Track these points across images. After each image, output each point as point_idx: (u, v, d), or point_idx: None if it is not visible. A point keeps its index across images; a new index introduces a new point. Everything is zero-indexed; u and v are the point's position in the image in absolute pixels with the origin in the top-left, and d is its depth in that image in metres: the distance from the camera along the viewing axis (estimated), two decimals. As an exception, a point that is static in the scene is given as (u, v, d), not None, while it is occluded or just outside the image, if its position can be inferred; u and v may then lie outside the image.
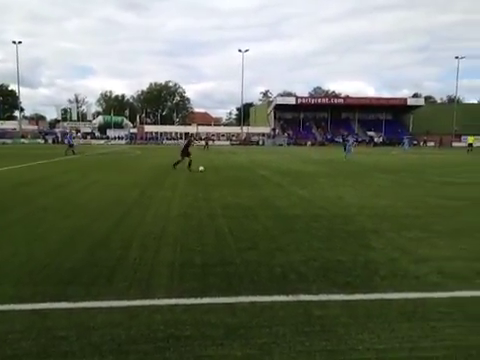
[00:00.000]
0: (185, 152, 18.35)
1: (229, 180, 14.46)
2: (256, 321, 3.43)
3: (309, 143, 68.92)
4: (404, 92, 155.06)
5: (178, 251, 5.51)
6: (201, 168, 17.23)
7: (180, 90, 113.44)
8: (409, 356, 2.90)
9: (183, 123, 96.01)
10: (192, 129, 78.76)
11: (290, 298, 3.90)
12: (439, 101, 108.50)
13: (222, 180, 14.43)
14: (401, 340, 3.11)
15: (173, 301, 3.86)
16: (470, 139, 47.21)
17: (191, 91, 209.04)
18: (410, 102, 78.06)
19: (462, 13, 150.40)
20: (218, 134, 76.15)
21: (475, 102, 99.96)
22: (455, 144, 65.90)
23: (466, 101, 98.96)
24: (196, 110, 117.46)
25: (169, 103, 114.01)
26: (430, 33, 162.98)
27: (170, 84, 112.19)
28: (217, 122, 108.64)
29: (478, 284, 4.24)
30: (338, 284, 4.27)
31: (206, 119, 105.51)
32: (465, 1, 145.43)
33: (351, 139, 25.00)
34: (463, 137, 66.65)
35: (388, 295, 3.97)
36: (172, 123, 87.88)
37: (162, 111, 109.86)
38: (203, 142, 46.68)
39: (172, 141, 73.64)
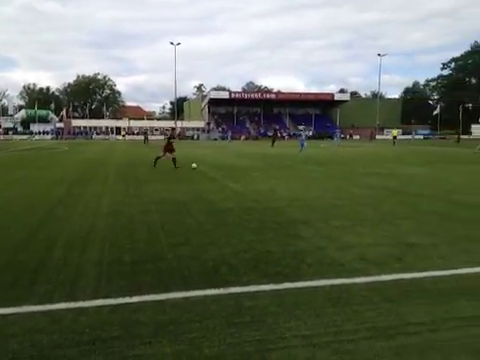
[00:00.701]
0: (167, 148, 16.76)
1: (163, 175, 14.22)
2: (187, 316, 3.40)
3: (243, 137, 69.67)
4: (331, 87, 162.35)
5: (106, 249, 5.32)
6: (194, 165, 16.06)
7: (110, 83, 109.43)
8: (334, 340, 3.03)
9: (114, 117, 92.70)
10: (124, 123, 76.38)
11: (221, 291, 3.92)
12: (364, 96, 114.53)
13: (155, 175, 14.15)
14: (326, 325, 3.24)
15: (100, 302, 3.71)
16: (394, 132, 50.37)
17: (122, 84, 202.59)
18: (337, 97, 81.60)
19: (384, 12, 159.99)
20: (152, 128, 74.55)
21: (396, 97, 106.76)
22: (378, 137, 69.91)
23: (388, 96, 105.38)
24: (128, 104, 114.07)
25: (98, 96, 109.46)
26: (355, 30, 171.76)
27: (99, 77, 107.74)
28: (150, 116, 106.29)
29: (396, 268, 4.53)
30: (268, 274, 4.36)
31: (138, 113, 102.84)
32: (385, 1, 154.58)
33: (303, 133, 23.04)
34: (386, 130, 70.98)
35: (315, 282, 4.12)
36: (102, 117, 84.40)
37: (91, 105, 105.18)
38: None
39: (102, 136, 70.92)
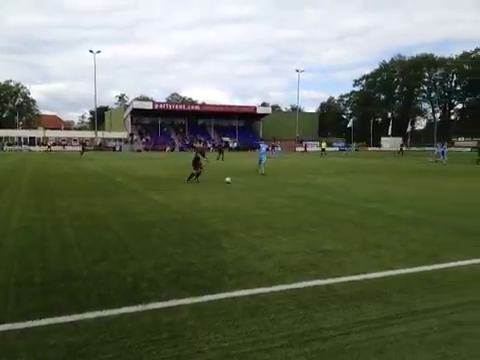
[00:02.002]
0: (197, 163, 15.49)
1: (80, 188, 13.56)
2: (101, 337, 3.25)
3: (168, 149, 68.86)
4: (254, 101, 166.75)
5: (15, 270, 4.92)
6: (228, 179, 14.99)
7: (24, 90, 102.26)
8: (251, 350, 3.07)
9: (28, 127, 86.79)
10: (39, 133, 71.83)
11: (139, 308, 3.80)
12: (284, 110, 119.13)
13: (72, 188, 13.45)
14: (245, 335, 3.28)
15: (6, 327, 3.42)
16: (323, 145, 52.72)
17: (38, 92, 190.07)
18: (259, 110, 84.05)
19: (303, 29, 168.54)
20: (69, 139, 70.92)
21: (314, 111, 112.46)
22: (298, 149, 72.82)
23: (306, 110, 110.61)
24: (44, 113, 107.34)
25: (10, 105, 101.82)
26: (274, 46, 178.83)
27: (11, 84, 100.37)
28: (68, 126, 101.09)
29: (311, 275, 4.73)
30: (189, 287, 4.32)
31: (55, 123, 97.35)
32: (304, 19, 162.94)
33: (263, 145, 18.48)
34: (303, 142, 73.99)
35: (235, 293, 4.16)
36: (15, 127, 78.56)
37: (2, 113, 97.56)
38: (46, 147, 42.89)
39: (16, 147, 65.94)
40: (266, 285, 4.38)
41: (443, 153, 31.17)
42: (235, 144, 76.90)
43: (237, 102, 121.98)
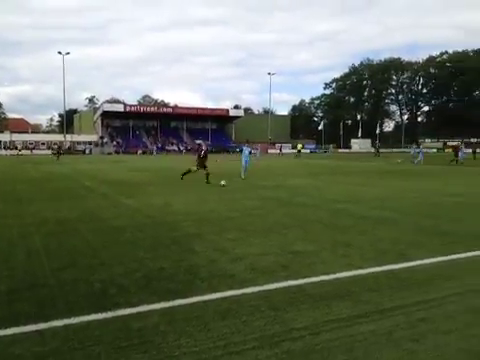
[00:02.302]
0: (202, 162, 16.21)
1: (49, 192, 13.22)
2: (69, 345, 3.17)
3: (140, 152, 68.02)
4: (227, 103, 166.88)
5: (-23, 279, 4.74)
6: (223, 182, 14.80)
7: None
8: (222, 353, 3.06)
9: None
10: (5, 137, 69.58)
11: (108, 314, 3.73)
12: (256, 112, 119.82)
13: (41, 193, 13.09)
14: (216, 339, 3.27)
15: (-33, 338, 3.29)
16: (299, 146, 53.54)
17: (3, 94, 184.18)
18: (232, 113, 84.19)
19: (274, 32, 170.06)
20: (37, 142, 69.03)
21: (285, 114, 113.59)
22: (270, 151, 73.36)
23: (278, 113, 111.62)
24: (10, 115, 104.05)
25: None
26: (246, 49, 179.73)
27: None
28: (36, 129, 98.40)
29: (282, 276, 4.76)
30: (160, 292, 4.28)
31: (23, 126, 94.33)
32: (274, 23, 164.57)
33: (246, 149, 17.50)
34: (277, 144, 74.64)
35: (207, 296, 4.15)
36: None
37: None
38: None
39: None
40: (238, 287, 4.39)
41: (419, 154, 32.09)
42: (208, 146, 76.67)
43: (210, 104, 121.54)
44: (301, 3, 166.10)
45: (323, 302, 4.02)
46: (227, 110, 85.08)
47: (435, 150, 73.85)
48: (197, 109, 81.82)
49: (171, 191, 13.71)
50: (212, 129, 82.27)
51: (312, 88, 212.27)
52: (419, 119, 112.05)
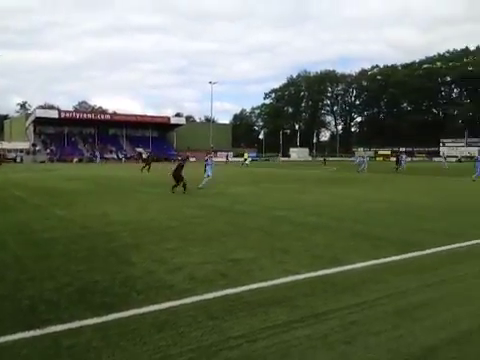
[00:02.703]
0: (179, 174, 15.23)
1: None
2: (-9, 368, 2.95)
3: (76, 160, 65.29)
4: (168, 111, 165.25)
5: None
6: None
7: None
8: (158, 366, 3.00)
9: None
10: None
11: (37, 332, 3.52)
12: (198, 120, 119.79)
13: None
14: (152, 352, 3.19)
15: None
16: (246, 155, 54.20)
17: None
18: (173, 121, 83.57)
19: (215, 42, 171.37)
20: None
21: (227, 122, 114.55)
22: (213, 159, 73.59)
23: (220, 121, 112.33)
24: None
25: None
26: (187, 57, 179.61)
27: None
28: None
29: (221, 285, 4.76)
30: (93, 307, 4.10)
31: None
32: (215, 32, 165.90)
33: (210, 161, 17.20)
34: (224, 153, 74.91)
35: (143, 309, 4.03)
36: None
37: None
38: None
39: None
40: (176, 298, 4.32)
41: (363, 162, 33.47)
42: (148, 154, 75.25)
43: (150, 112, 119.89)
44: (240, 14, 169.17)
45: (261, 309, 4.06)
46: (168, 118, 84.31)
47: (368, 158, 77.81)
48: (137, 116, 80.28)
49: (109, 200, 13.27)
50: (153, 137, 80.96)
51: (253, 98, 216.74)
52: (353, 129, 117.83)
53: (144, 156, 47.65)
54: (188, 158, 16.25)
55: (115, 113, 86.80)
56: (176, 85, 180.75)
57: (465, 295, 4.54)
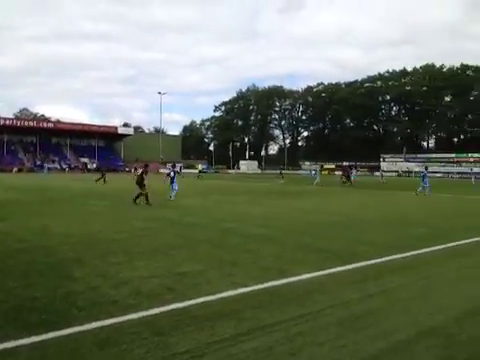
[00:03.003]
0: (142, 183, 14.97)
1: None
2: None
3: (15, 169, 61.91)
4: (116, 121, 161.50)
5: None
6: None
7: None
8: (99, 386, 2.87)
9: None
10: None
11: (-35, 355, 3.26)
12: (147, 131, 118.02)
13: None
14: (93, 371, 3.06)
15: None
16: (200, 167, 53.89)
17: None
18: (121, 131, 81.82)
19: (164, 53, 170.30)
20: None
21: (177, 134, 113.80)
22: (161, 171, 72.52)
23: (169, 132, 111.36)
24: None
25: None
26: (136, 67, 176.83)
27: None
28: None
29: (167, 299, 4.65)
30: (30, 325, 3.87)
31: None
32: (165, 43, 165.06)
33: (172, 172, 16.02)
34: (177, 164, 74.22)
35: (85, 327, 3.86)
36: None
37: None
38: None
39: None
40: (120, 314, 4.18)
41: (315, 176, 34.62)
42: (94, 165, 72.97)
43: (97, 121, 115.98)
44: (191, 26, 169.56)
45: (207, 323, 4.02)
46: (116, 127, 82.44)
47: (314, 172, 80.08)
48: (83, 125, 77.80)
49: (51, 212, 12.68)
50: (99, 147, 78.72)
51: (203, 110, 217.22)
52: (300, 143, 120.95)
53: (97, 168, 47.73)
54: (147, 166, 16.10)
55: (59, 121, 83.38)
56: (124, 94, 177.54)
57: (404, 305, 4.75)
